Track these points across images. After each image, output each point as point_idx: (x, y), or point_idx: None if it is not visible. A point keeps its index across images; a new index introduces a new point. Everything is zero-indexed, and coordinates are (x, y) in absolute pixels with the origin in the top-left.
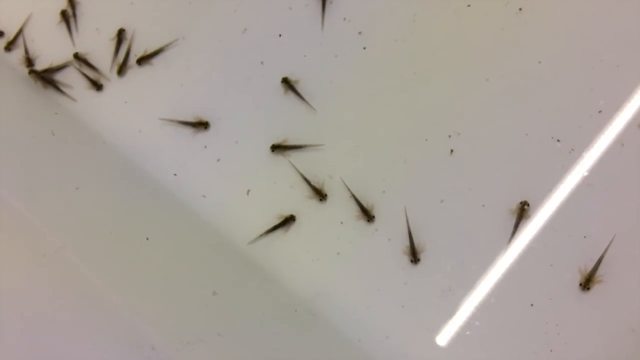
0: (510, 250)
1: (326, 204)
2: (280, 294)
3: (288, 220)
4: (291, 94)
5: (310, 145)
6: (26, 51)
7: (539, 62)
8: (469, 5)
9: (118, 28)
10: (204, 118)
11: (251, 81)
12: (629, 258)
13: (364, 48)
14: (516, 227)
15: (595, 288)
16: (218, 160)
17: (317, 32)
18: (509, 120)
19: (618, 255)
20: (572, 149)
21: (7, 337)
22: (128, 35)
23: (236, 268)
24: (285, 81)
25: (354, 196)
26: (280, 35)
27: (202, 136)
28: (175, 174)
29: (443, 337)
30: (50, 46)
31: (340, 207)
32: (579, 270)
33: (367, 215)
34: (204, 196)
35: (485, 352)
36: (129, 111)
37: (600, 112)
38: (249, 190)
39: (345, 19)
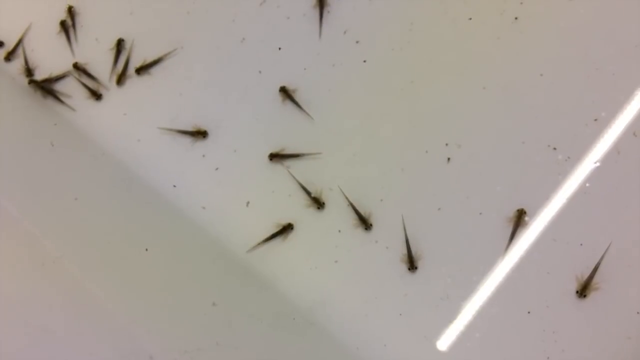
0: (507, 258)
1: (324, 212)
2: (278, 302)
3: (286, 229)
4: (289, 103)
5: (309, 154)
6: (26, 61)
7: (535, 71)
8: (470, 19)
9: (117, 38)
10: (203, 127)
11: (249, 90)
12: (625, 265)
13: (364, 61)
14: (513, 234)
15: (592, 295)
16: (216, 169)
17: (315, 41)
18: (505, 128)
19: (614, 262)
20: (569, 157)
21: (5, 346)
22: (127, 45)
23: (234, 276)
24: (283, 90)
25: (351, 204)
26: (280, 49)
27: (201, 145)
28: (174, 186)
29: (441, 345)
30: (50, 56)
31: (338, 216)
32: (575, 277)
33: (365, 223)
34: (204, 207)
35: (482, 359)
36: (127, 120)
37: (596, 120)
38: (248, 202)
39: (342, 28)
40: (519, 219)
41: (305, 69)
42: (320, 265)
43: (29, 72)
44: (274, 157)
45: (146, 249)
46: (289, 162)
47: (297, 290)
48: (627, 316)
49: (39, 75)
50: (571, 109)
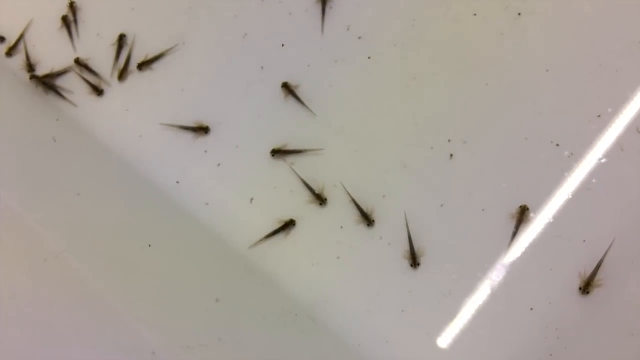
0: (510, 255)
1: (326, 208)
2: (280, 298)
3: (288, 225)
4: (291, 99)
5: (311, 150)
6: (27, 57)
7: (538, 67)
8: (475, 15)
9: (119, 33)
10: (205, 123)
11: (251, 86)
12: (628, 262)
13: (369, 58)
14: (516, 231)
15: (595, 292)
16: (219, 165)
17: (317, 37)
18: (508, 125)
19: (617, 259)
20: (572, 154)
21: (7, 342)
22: (129, 40)
23: (236, 273)
24: (286, 86)
25: (354, 201)
26: (283, 45)
27: (203, 141)
28: (178, 182)
29: (443, 342)
30: (52, 52)
31: (340, 212)
32: (578, 274)
33: (367, 219)
34: (207, 204)
35: (485, 356)
36: (129, 116)
37: (599, 116)
38: (252, 199)
39: (345, 24)
40: (522, 216)
41: (307, 64)
42: (323, 261)
43: (30, 67)
44: (276, 153)
45: (149, 245)
46: (292, 159)
47: (299, 286)
48: (630, 313)
49: (40, 71)
50: (574, 105)
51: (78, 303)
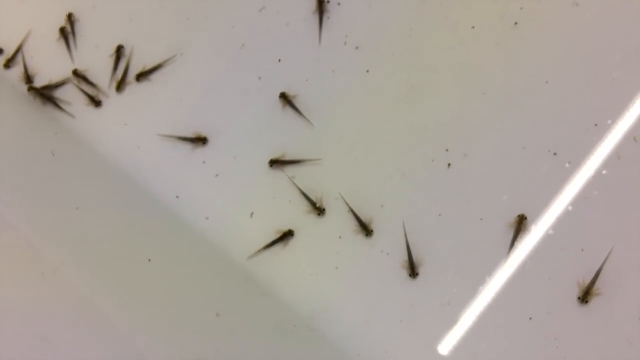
0: (508, 264)
1: (324, 218)
2: (278, 309)
3: (286, 235)
4: (289, 109)
5: (309, 160)
6: (25, 68)
7: (535, 76)
8: (472, 26)
9: (117, 44)
10: (203, 133)
11: (249, 96)
12: (627, 270)
13: (367, 69)
14: (514, 240)
15: (594, 301)
16: (216, 175)
17: (315, 47)
18: (505, 134)
19: (616, 267)
20: (569, 162)
21: (5, 355)
22: (127, 51)
23: (235, 284)
24: (283, 96)
25: (352, 210)
26: (279, 60)
27: (201, 151)
28: (177, 196)
29: (442, 351)
30: (49, 63)
31: (338, 222)
32: (577, 283)
33: (366, 229)
34: (207, 218)
35: None
36: (127, 127)
37: (596, 125)
38: (252, 213)
39: (342, 33)
40: (520, 225)
41: (305, 74)
42: (321, 271)
43: (28, 78)
44: (274, 163)
45: (149, 260)
46: (289, 168)
47: (297, 296)
48: (629, 322)
49: (38, 82)
50: (571, 113)
51: (76, 316)
